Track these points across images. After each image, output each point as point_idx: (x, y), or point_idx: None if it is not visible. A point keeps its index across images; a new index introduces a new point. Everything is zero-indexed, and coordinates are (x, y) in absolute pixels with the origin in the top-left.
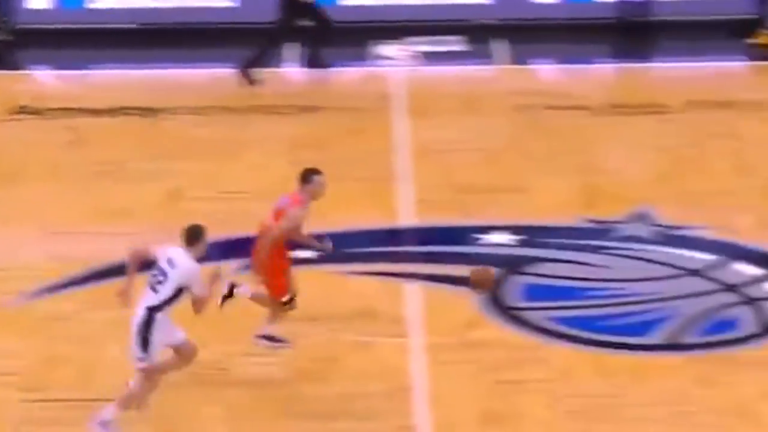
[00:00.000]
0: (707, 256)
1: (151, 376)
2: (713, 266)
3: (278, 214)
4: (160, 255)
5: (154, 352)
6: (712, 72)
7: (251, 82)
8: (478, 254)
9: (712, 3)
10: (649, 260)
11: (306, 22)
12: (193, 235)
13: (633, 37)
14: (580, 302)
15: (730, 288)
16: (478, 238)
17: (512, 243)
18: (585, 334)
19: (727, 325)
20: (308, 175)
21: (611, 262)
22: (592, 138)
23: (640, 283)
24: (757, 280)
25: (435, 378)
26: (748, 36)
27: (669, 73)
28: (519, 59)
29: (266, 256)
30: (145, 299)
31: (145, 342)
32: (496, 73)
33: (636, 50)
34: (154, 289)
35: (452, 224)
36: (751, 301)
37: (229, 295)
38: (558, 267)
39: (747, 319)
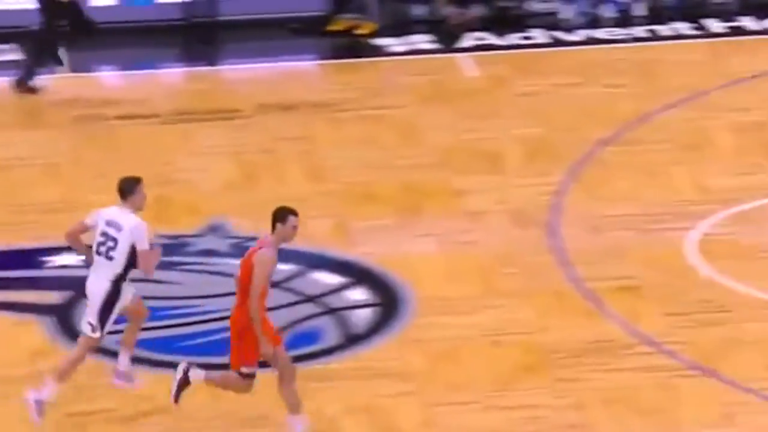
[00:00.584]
0: (285, 266)
1: (92, 347)
2: (292, 276)
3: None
4: (96, 221)
5: (106, 327)
6: (282, 73)
7: (29, 91)
8: (46, 278)
9: (279, 1)
10: (225, 274)
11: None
12: (127, 188)
13: (200, 39)
14: (156, 323)
15: (311, 299)
16: (46, 261)
17: (82, 264)
18: (165, 357)
19: (310, 337)
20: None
21: (185, 279)
22: (162, 147)
23: (217, 299)
24: (337, 289)
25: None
26: (322, 31)
27: (238, 75)
28: (80, 67)
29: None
30: (101, 271)
31: (105, 316)
32: (56, 83)
33: (204, 53)
34: (109, 258)
35: (17, 247)
36: (332, 311)
37: (185, 382)
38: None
39: (329, 331)
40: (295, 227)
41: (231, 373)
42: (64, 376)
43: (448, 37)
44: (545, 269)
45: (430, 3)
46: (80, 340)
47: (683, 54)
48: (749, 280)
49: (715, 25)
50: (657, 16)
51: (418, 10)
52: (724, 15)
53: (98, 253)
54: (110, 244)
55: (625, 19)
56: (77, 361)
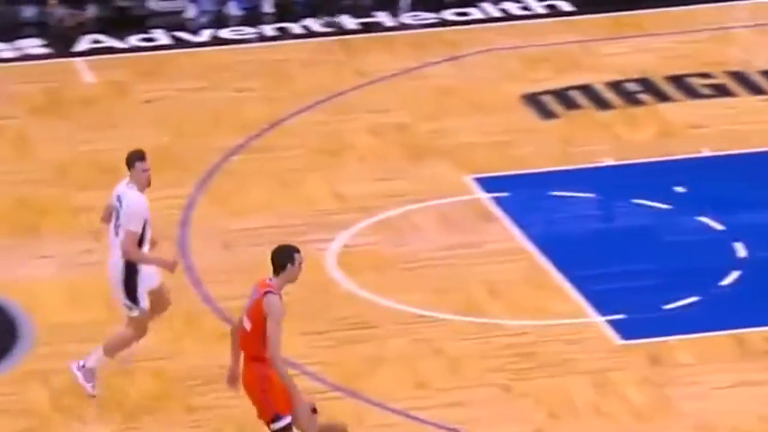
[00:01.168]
0: None
1: (140, 324)
2: None
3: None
4: (112, 197)
5: (143, 299)
6: None
7: None
8: None
9: None
10: None
11: None
12: (128, 161)
13: None
14: None
15: None
16: None
17: None
18: None
19: None
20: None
21: None
22: None
23: None
24: None
25: None
26: None
27: None
28: None
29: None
30: (113, 249)
31: (132, 292)
32: None
33: None
34: (117, 234)
35: None
36: None
37: None
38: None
39: None
40: (301, 264)
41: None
42: (112, 352)
43: (61, 40)
44: (176, 290)
45: (40, 4)
46: (126, 321)
47: (315, 53)
48: (391, 293)
49: (348, 21)
50: (287, 13)
51: (28, 12)
52: (357, 11)
53: (113, 229)
54: (116, 221)
55: (252, 18)
56: (127, 339)
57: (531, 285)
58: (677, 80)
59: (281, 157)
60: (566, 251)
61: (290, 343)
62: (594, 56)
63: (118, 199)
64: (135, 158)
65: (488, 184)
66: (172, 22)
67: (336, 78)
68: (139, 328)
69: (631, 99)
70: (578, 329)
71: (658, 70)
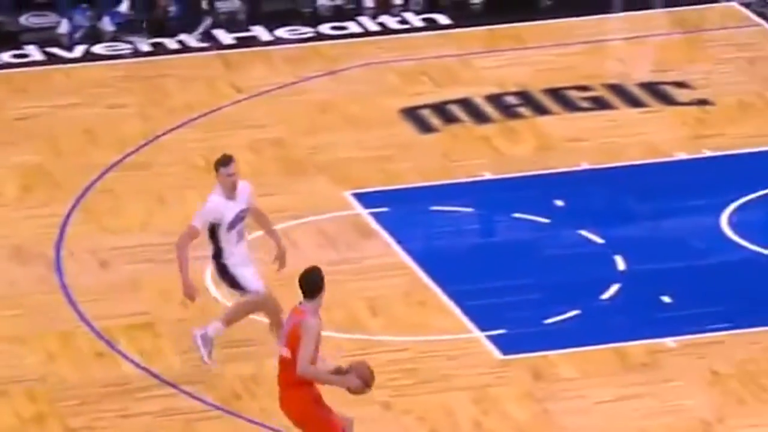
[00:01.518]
0: None
1: (262, 304)
2: None
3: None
4: None
5: (250, 282)
6: None
7: None
8: None
9: None
10: None
11: None
12: (214, 167)
13: None
14: None
15: None
16: None
17: None
18: None
19: None
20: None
21: None
22: None
23: None
24: None
25: None
26: None
27: None
28: None
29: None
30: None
31: (236, 285)
32: None
33: None
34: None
35: None
36: None
37: None
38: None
39: None
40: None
41: None
42: (231, 321)
43: None
44: (52, 309)
45: None
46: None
47: (192, 69)
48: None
49: (224, 36)
50: (160, 28)
51: None
52: (233, 25)
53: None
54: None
55: (127, 33)
56: (246, 311)
57: (411, 301)
58: (555, 93)
59: (159, 173)
60: (446, 266)
61: (168, 363)
62: (472, 70)
63: None
64: (218, 164)
65: (367, 199)
66: (45, 38)
67: (213, 93)
68: (258, 307)
69: (509, 112)
70: (459, 345)
71: (536, 83)
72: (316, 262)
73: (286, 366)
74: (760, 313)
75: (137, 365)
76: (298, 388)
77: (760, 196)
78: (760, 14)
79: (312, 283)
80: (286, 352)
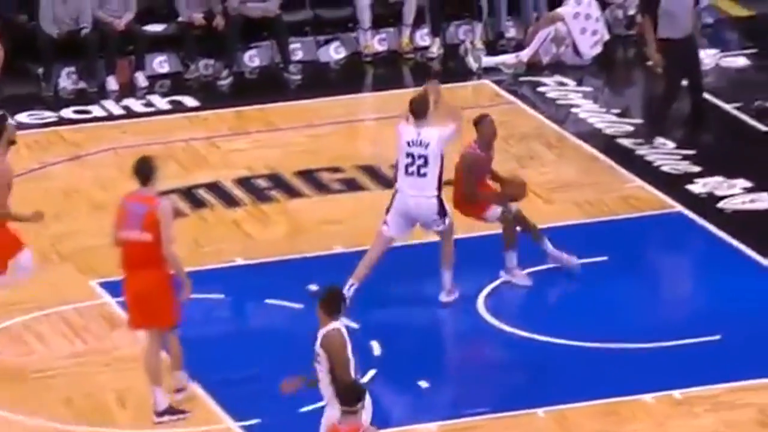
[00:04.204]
0: None
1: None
2: None
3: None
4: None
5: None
6: None
7: None
8: None
9: None
10: None
11: None
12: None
13: None
14: None
15: None
16: None
17: None
18: None
19: None
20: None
21: None
22: None
23: None
24: None
25: None
26: None
27: None
28: None
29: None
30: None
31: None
32: None
33: None
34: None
35: None
36: None
37: None
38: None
39: None
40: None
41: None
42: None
43: None
44: None
45: None
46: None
47: None
48: (20, 405)
49: None
50: None
51: None
52: None
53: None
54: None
55: None
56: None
57: (164, 389)
58: (307, 175)
59: None
60: (197, 355)
61: None
62: (220, 152)
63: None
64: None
65: (115, 288)
66: None
67: None
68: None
69: (260, 196)
70: None
71: (287, 165)
72: (63, 355)
73: (146, 248)
74: (519, 397)
75: None
76: (158, 268)
77: None
78: (513, 92)
79: (147, 169)
80: (146, 236)
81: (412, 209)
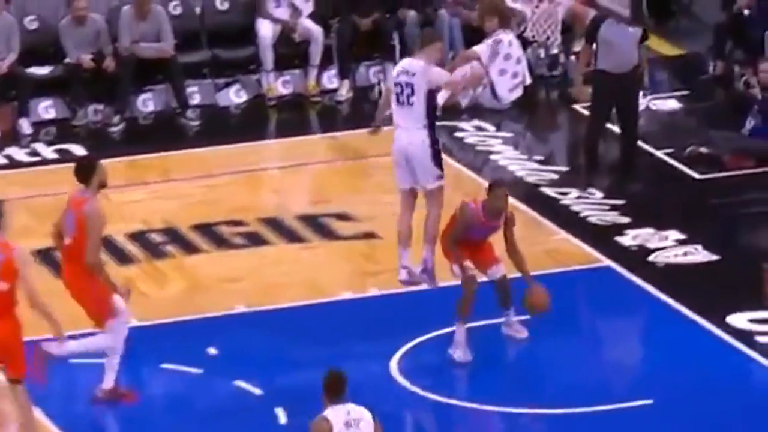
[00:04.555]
0: None
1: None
2: None
3: None
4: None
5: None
6: None
7: None
8: None
9: None
10: None
11: None
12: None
13: None
14: None
15: None
16: None
17: None
18: None
19: None
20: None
21: None
22: None
23: None
24: None
25: None
26: None
27: None
28: None
29: None
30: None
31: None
32: None
33: None
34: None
35: None
36: None
37: None
38: None
39: None
40: None
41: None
42: (433, 242)
43: None
44: None
45: None
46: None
47: None
48: None
49: None
50: None
51: None
52: None
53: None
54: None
55: None
56: (439, 216)
57: None
58: (205, 229)
59: None
60: (88, 426)
61: None
62: (112, 205)
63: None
64: None
65: None
66: None
67: None
68: (441, 200)
69: (155, 251)
70: None
71: (184, 218)
72: None
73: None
74: None
75: None
76: (13, 318)
77: (431, 338)
78: None
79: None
80: (2, 285)
81: (405, 146)
